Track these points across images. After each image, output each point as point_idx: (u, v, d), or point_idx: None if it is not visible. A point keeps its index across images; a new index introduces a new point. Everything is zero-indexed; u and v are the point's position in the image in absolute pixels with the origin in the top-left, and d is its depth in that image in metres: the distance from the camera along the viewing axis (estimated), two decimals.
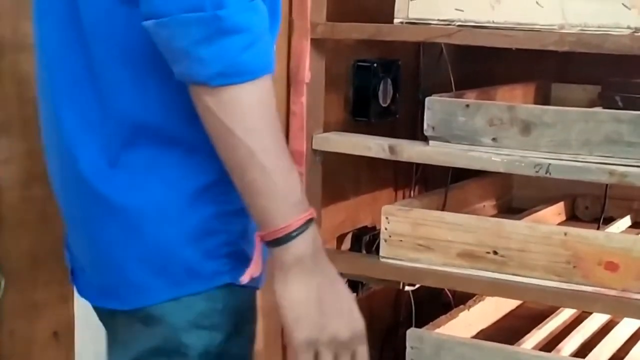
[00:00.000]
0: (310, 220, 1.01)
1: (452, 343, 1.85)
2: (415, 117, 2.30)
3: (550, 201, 2.29)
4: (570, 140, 1.71)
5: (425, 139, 1.86)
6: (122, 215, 1.04)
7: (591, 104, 2.07)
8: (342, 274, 1.08)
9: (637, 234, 1.97)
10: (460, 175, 2.13)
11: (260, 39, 0.97)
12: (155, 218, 1.04)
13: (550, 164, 1.71)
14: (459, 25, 1.81)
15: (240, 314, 1.10)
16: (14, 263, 1.61)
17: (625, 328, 2.08)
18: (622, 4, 1.68)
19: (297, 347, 1.02)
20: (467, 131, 1.80)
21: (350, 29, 1.95)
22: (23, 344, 1.64)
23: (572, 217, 2.34)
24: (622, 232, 2.16)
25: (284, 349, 2.03)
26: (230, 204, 1.06)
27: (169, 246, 1.05)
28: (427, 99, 1.85)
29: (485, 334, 2.07)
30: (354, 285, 2.15)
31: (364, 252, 2.22)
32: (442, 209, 2.03)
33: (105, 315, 1.15)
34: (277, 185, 0.98)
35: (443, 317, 2.02)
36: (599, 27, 1.70)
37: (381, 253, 1.90)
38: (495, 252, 1.79)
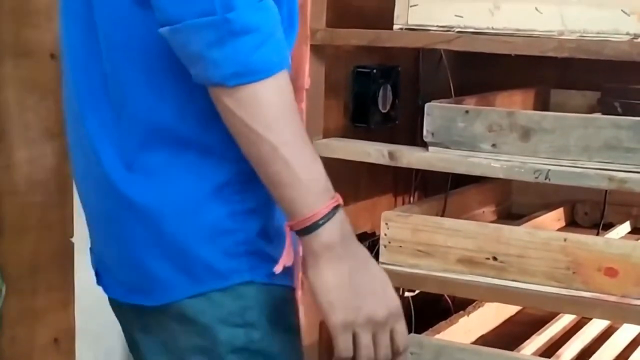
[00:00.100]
0: (337, 207, 1.03)
1: (452, 349, 1.86)
2: (414, 123, 2.30)
3: (549, 207, 2.29)
4: (570, 146, 1.71)
5: (424, 145, 1.86)
6: (143, 213, 1.07)
7: (590, 110, 2.07)
8: None
9: (637, 239, 1.97)
10: (460, 181, 2.13)
11: (272, 37, 0.99)
12: (173, 217, 1.07)
13: (549, 169, 1.71)
14: (458, 32, 1.82)
15: (276, 310, 1.11)
16: (15, 270, 1.61)
17: (624, 334, 2.08)
18: (622, 10, 1.68)
19: (334, 330, 1.03)
20: (466, 137, 1.80)
21: (350, 35, 1.96)
22: (24, 350, 1.64)
23: (572, 223, 2.34)
24: (622, 238, 2.16)
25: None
26: (244, 203, 1.08)
27: (186, 245, 1.07)
28: (426, 105, 1.86)
29: (485, 340, 2.07)
30: None
31: None
32: (442, 215, 2.03)
33: (134, 314, 1.16)
34: (301, 176, 1.00)
35: (443, 322, 2.02)
36: (598, 33, 1.70)
37: (381, 259, 1.90)
38: (494, 258, 1.79)
